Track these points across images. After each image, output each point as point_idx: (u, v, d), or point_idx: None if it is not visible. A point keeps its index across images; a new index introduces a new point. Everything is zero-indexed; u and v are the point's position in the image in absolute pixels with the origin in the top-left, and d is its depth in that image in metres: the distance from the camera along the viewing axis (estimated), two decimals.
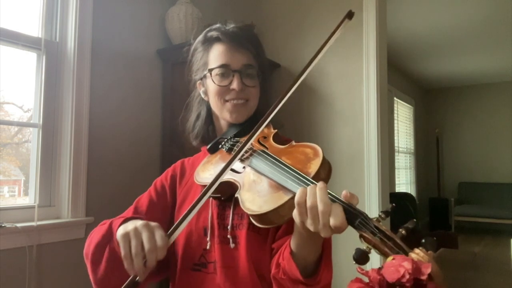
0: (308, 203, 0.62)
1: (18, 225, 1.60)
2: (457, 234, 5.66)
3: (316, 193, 0.62)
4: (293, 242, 0.74)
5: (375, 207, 2.05)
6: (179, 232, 0.72)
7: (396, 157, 5.94)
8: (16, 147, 1.97)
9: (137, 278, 0.69)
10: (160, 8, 2.29)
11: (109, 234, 0.82)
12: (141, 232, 0.70)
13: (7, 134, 1.87)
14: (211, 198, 0.90)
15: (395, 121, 6.02)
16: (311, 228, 0.63)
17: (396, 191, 5.82)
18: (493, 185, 6.78)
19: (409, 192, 6.30)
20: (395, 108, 6.05)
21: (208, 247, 0.88)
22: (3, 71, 1.73)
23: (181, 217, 0.70)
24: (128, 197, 1.98)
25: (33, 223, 1.65)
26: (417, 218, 5.14)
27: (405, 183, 6.49)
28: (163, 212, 0.99)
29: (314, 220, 0.62)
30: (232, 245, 0.86)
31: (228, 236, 0.86)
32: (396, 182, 5.91)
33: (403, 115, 6.56)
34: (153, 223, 0.73)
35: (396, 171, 5.93)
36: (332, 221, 0.60)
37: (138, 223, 0.72)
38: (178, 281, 0.93)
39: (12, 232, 1.58)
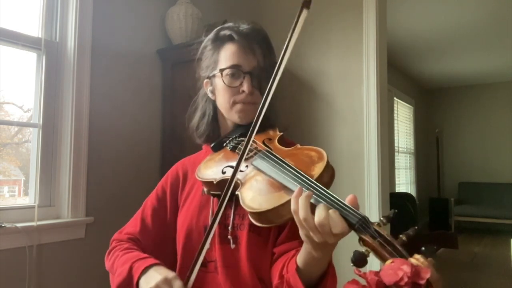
0: (301, 216, 0.62)
1: (18, 225, 1.60)
2: (457, 234, 5.65)
3: (305, 205, 0.62)
4: (300, 259, 0.72)
5: (375, 207, 2.05)
6: (195, 275, 0.78)
7: (396, 157, 5.94)
8: (16, 147, 1.97)
9: None
10: (160, 8, 2.29)
11: (129, 279, 0.84)
12: None
13: (7, 134, 1.87)
14: (212, 197, 0.90)
15: (395, 121, 6.01)
16: (316, 239, 0.62)
17: (396, 191, 5.82)
18: (493, 185, 6.78)
19: (409, 192, 6.30)
20: (395, 108, 6.04)
21: (208, 245, 0.88)
22: (3, 71, 1.73)
23: (196, 255, 0.75)
24: (128, 197, 2.02)
25: (33, 223, 1.65)
26: (417, 218, 5.15)
27: (405, 183, 6.49)
28: (164, 218, 1.01)
29: (315, 232, 0.62)
30: (232, 246, 0.86)
31: (229, 236, 0.86)
32: (396, 182, 5.91)
33: (403, 115, 6.56)
34: (171, 275, 0.78)
35: (396, 171, 5.93)
36: (333, 230, 0.60)
37: (159, 278, 0.77)
38: None
39: (12, 232, 1.58)
